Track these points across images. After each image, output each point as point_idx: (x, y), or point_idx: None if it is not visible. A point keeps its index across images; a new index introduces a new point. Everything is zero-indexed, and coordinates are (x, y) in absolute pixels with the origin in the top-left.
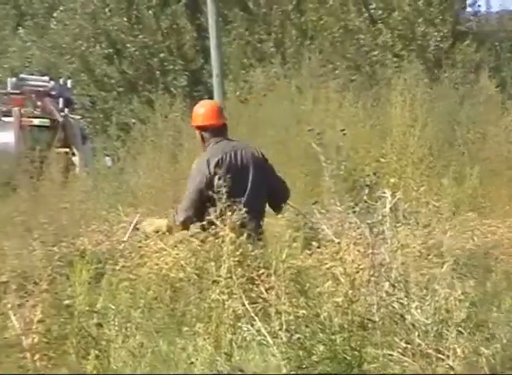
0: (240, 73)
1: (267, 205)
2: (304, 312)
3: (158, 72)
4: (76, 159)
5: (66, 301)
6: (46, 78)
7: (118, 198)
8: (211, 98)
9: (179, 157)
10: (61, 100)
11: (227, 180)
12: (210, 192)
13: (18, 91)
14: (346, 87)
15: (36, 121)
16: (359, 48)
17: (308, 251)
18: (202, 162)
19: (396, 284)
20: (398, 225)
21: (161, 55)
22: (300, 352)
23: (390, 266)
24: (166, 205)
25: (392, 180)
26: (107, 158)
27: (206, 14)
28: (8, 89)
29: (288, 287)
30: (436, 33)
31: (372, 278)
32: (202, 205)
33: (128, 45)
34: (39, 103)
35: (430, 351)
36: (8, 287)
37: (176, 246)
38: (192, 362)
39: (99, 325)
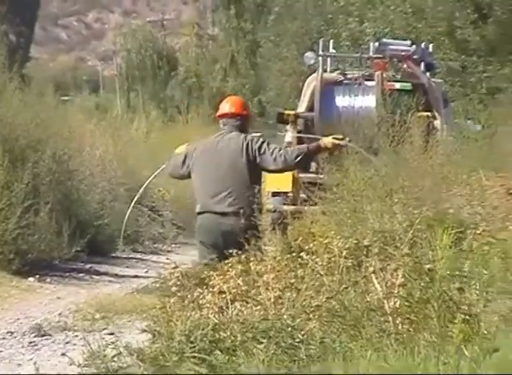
0: None
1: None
2: None
3: None
4: (437, 123)
5: (427, 265)
6: (408, 42)
7: (483, 163)
8: None
9: None
10: (422, 64)
11: (200, 169)
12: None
13: (380, 56)
14: None
15: (397, 85)
16: None
17: None
18: (193, 146)
19: None
20: None
21: None
22: None
23: None
24: None
25: None
26: (469, 121)
27: None
28: (371, 53)
29: None
30: None
31: None
32: (178, 171)
33: (496, 8)
34: (401, 67)
35: None
36: (370, 250)
37: None
38: None
39: (461, 289)
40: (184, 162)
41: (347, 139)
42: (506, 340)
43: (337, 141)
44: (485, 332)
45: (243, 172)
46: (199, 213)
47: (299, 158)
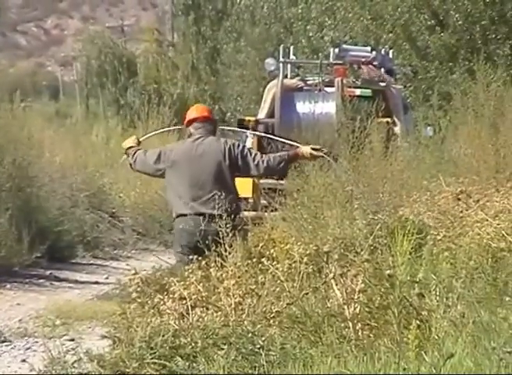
0: None
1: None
2: None
3: (479, 41)
4: (397, 129)
5: (388, 271)
6: (368, 48)
7: (439, 167)
8: None
9: (501, 127)
10: (382, 70)
11: (180, 172)
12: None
13: (340, 62)
14: None
15: (357, 91)
16: None
17: None
18: (170, 147)
19: None
20: None
21: (483, 22)
22: None
23: None
24: (488, 175)
25: None
26: (428, 127)
27: None
28: (331, 60)
29: None
30: None
31: None
32: (148, 169)
33: (452, 13)
34: (361, 73)
35: None
36: (330, 256)
37: (496, 216)
38: None
39: (420, 295)
40: (158, 161)
41: (324, 151)
42: (456, 345)
43: (315, 152)
44: (436, 337)
45: (226, 175)
46: (180, 216)
47: (282, 165)
